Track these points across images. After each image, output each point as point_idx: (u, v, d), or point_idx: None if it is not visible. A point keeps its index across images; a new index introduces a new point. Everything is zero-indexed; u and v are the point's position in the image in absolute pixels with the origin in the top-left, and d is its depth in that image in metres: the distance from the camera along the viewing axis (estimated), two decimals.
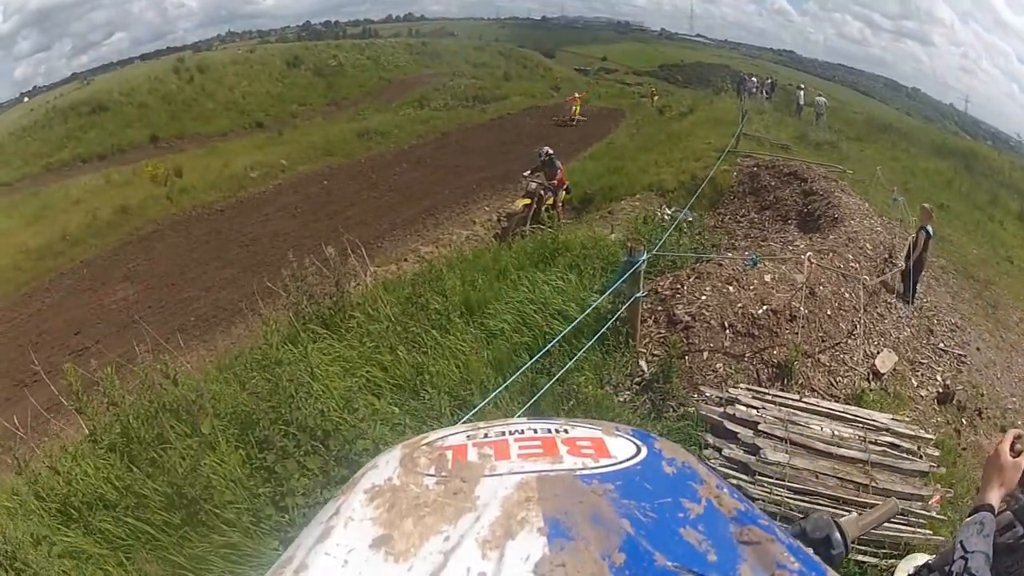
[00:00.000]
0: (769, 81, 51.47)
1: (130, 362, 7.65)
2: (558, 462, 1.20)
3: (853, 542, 2.07)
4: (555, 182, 18.31)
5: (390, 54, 72.42)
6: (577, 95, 34.24)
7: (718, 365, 9.26)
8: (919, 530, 6.73)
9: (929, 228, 13.34)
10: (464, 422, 5.87)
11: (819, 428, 7.68)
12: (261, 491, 6.05)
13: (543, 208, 17.40)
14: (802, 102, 40.47)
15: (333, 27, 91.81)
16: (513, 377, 6.95)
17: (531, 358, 7.52)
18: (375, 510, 1.12)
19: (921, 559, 5.89)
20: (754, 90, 45.23)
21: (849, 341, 10.70)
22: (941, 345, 12.60)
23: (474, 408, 6.35)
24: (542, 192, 17.91)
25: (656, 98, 49.23)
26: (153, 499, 5.99)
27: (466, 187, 26.40)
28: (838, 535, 1.93)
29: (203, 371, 9.64)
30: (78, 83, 64.94)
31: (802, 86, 45.94)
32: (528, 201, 17.79)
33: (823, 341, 10.36)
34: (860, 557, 6.23)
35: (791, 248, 13.35)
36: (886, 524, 6.21)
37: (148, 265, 21.48)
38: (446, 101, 52.28)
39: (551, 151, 18.69)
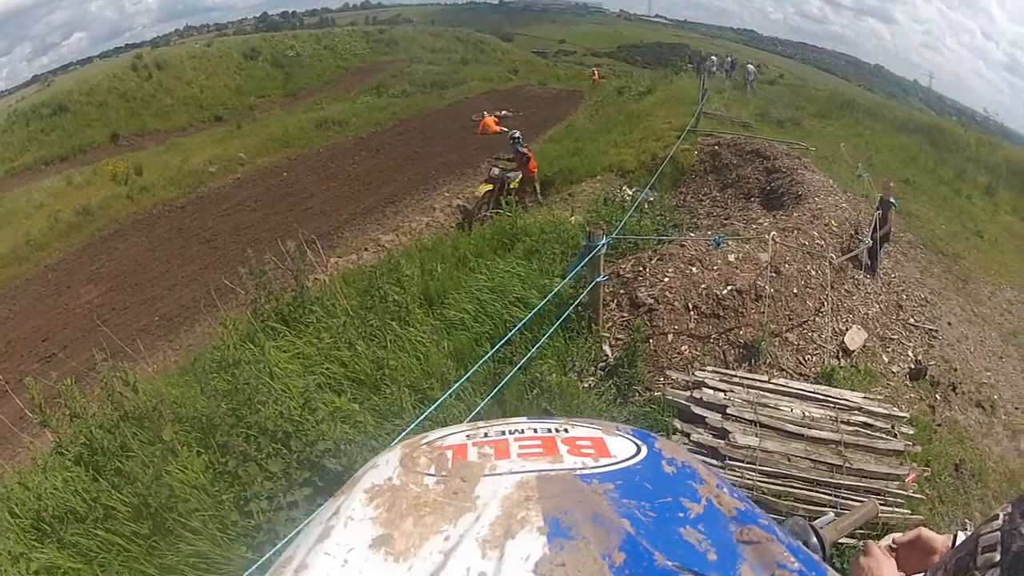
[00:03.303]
0: (729, 60, 52.02)
1: (95, 368, 7.52)
2: (558, 461, 1.20)
3: (832, 546, 1.94)
4: (516, 167, 18.24)
5: (347, 43, 73.22)
6: (497, 115, 33.75)
7: (683, 347, 9.24)
8: (896, 510, 6.77)
9: (892, 200, 13.29)
10: (426, 416, 5.77)
11: (789, 409, 7.67)
12: (225, 497, 6.01)
13: (504, 193, 17.21)
14: (752, 78, 41.26)
15: (290, 17, 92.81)
16: (474, 368, 6.90)
17: (492, 347, 7.43)
18: (375, 510, 1.12)
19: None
20: (714, 69, 45.66)
21: (817, 319, 10.67)
22: (911, 320, 12.59)
23: (435, 402, 6.19)
24: (504, 177, 17.79)
25: (598, 78, 49.64)
26: (120, 510, 5.96)
27: (425, 173, 26.55)
28: (815, 540, 1.90)
29: (165, 374, 9.69)
30: (39, 85, 67.08)
31: (748, 62, 47.25)
32: (490, 187, 17.74)
33: (790, 320, 10.35)
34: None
35: (755, 226, 13.39)
36: (862, 504, 6.06)
37: (111, 266, 21.51)
38: (404, 88, 52.82)
39: (517, 135, 18.62)
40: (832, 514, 3.11)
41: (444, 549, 0.98)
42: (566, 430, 1.33)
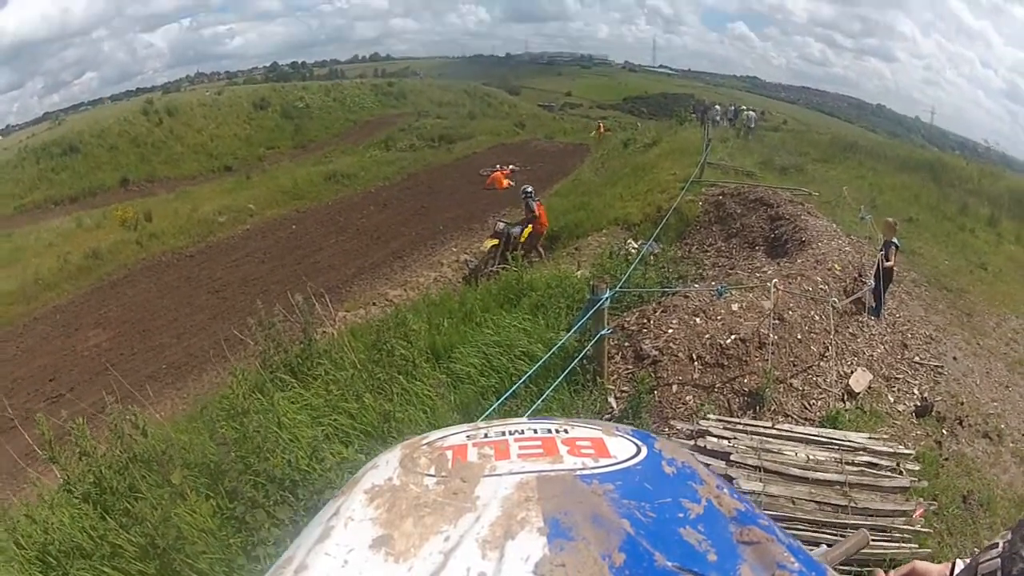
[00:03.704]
0: (732, 108, 52.17)
1: (103, 411, 7.63)
2: (558, 462, 1.22)
3: None
4: (524, 220, 18.41)
5: (356, 95, 73.45)
6: (503, 170, 33.49)
7: (688, 398, 9.25)
8: (904, 545, 6.75)
9: (896, 240, 13.35)
10: None
11: (793, 453, 7.62)
12: (232, 541, 6.04)
13: (511, 247, 17.30)
14: (752, 125, 42.44)
15: (300, 68, 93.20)
16: (479, 420, 6.90)
17: (497, 400, 7.48)
18: (375, 510, 1.13)
19: None
20: (718, 118, 45.81)
21: (821, 363, 10.67)
22: (916, 359, 12.57)
23: None
24: (510, 231, 17.91)
25: (603, 131, 49.87)
26: (128, 549, 5.98)
27: (433, 228, 26.68)
28: None
29: (174, 420, 9.76)
30: (50, 123, 66.84)
31: (748, 109, 48.72)
32: (495, 241, 17.84)
33: (794, 366, 10.35)
34: None
35: (759, 275, 13.33)
36: (871, 542, 6.15)
37: (120, 311, 21.61)
38: (412, 142, 53.08)
39: (529, 189, 18.80)
40: (824, 547, 3.21)
41: (444, 549, 1.00)
42: (566, 431, 1.35)
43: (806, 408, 9.82)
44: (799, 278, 12.47)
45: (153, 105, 61.96)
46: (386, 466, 1.28)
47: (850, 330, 12.24)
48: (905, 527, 6.88)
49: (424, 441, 1.37)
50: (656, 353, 9.72)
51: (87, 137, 54.71)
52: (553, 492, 1.11)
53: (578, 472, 1.18)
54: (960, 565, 1.89)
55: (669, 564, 0.97)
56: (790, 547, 1.09)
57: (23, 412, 13.75)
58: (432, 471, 1.23)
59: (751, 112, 45.15)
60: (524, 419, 1.47)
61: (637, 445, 1.30)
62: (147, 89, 79.87)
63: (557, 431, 1.35)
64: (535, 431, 1.36)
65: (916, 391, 11.50)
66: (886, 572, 2.09)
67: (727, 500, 1.17)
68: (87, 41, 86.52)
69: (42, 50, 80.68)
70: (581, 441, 1.30)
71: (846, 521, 6.78)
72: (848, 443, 7.95)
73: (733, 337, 9.98)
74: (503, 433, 1.35)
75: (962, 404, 11.44)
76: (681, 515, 1.10)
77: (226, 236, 28.45)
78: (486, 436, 1.34)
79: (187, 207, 33.77)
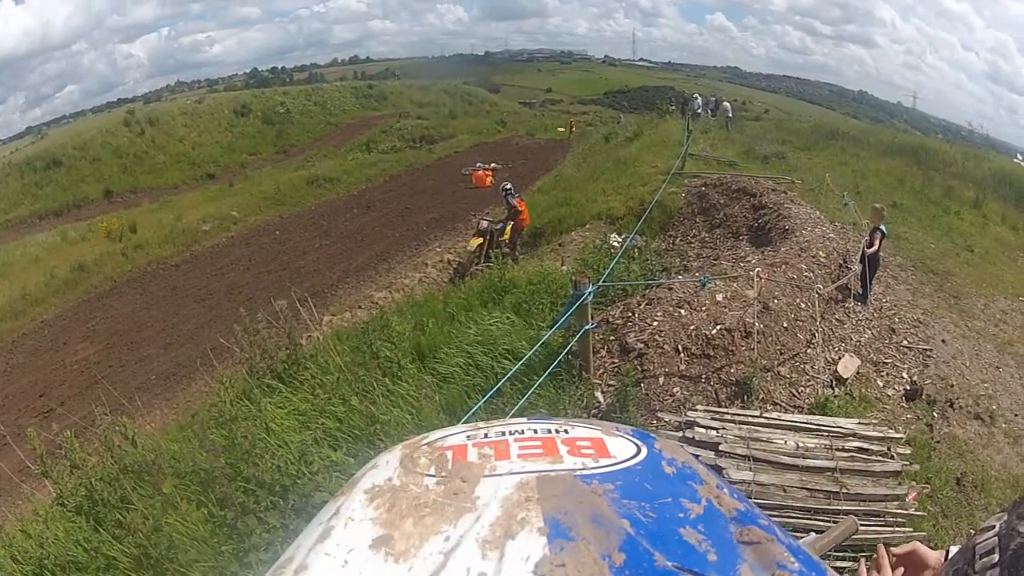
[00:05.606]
0: (713, 99, 52.42)
1: (94, 424, 7.76)
2: (558, 462, 1.23)
3: None
4: (506, 218, 18.40)
5: (336, 98, 73.45)
6: (486, 168, 33.17)
7: (675, 389, 9.24)
8: (898, 529, 6.75)
9: (883, 227, 13.31)
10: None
11: (783, 442, 7.60)
12: (224, 548, 6.04)
13: (494, 245, 17.30)
14: (730, 115, 43.37)
15: (280, 73, 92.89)
16: (463, 419, 6.88)
17: (483, 399, 7.45)
18: (375, 510, 1.13)
19: None
20: (698, 109, 46.04)
21: (808, 351, 10.65)
22: (905, 343, 12.56)
23: None
24: (494, 229, 17.89)
25: (575, 128, 50.24)
26: (121, 560, 6.00)
27: (417, 229, 26.66)
28: None
29: (164, 429, 9.79)
30: (32, 137, 67.21)
31: (724, 100, 49.73)
32: (480, 240, 17.81)
33: (781, 354, 10.33)
34: (840, 564, 6.10)
35: (743, 264, 13.35)
36: (863, 527, 6.09)
37: (107, 323, 21.55)
38: (393, 143, 53.19)
39: (508, 186, 18.79)
40: (813, 535, 3.15)
41: (444, 550, 1.01)
42: (566, 431, 1.35)
43: (794, 396, 9.81)
44: (783, 266, 12.50)
45: (134, 115, 61.99)
46: (386, 466, 1.28)
47: (836, 316, 12.23)
48: (899, 511, 6.88)
49: (424, 441, 1.36)
50: (642, 346, 9.74)
51: (70, 150, 54.87)
52: (553, 492, 1.11)
53: (578, 472, 1.19)
54: (954, 550, 1.88)
55: (669, 564, 0.98)
56: (790, 547, 1.09)
57: (15, 428, 13.75)
58: (432, 471, 1.23)
59: (726, 103, 46.48)
60: (524, 419, 1.46)
61: (637, 445, 1.30)
62: (128, 100, 79.87)
63: (557, 431, 1.35)
64: (535, 431, 1.36)
65: (905, 375, 11.50)
66: (887, 550, 2.10)
67: (727, 500, 1.17)
68: (67, 54, 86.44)
69: (23, 65, 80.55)
70: (581, 441, 1.31)
71: (838, 507, 6.77)
72: (838, 429, 7.95)
73: (718, 327, 9.99)
74: (503, 433, 1.35)
75: (952, 386, 11.43)
76: (681, 515, 1.11)
77: (211, 244, 28.43)
78: (486, 436, 1.35)
79: (171, 216, 33.82)
